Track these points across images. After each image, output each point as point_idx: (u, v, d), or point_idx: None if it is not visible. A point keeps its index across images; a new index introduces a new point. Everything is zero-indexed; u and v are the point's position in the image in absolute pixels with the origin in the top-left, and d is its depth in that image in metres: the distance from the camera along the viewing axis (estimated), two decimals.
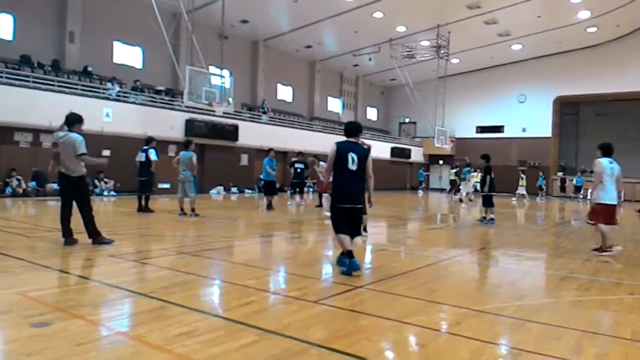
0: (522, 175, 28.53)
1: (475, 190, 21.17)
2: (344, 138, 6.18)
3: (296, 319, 4.11)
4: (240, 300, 4.59)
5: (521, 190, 28.00)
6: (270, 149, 15.84)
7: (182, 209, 12.29)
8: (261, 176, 15.84)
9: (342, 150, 6.05)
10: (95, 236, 7.36)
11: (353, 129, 6.38)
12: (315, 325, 3.96)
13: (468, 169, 23.89)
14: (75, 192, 7.35)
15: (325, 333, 3.78)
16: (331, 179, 6.27)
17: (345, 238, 5.99)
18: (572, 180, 31.89)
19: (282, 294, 5.07)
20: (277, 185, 17.11)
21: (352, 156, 6.01)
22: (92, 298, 4.64)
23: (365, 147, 6.54)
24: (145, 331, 3.63)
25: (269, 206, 15.02)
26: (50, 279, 5.41)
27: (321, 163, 14.79)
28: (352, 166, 5.99)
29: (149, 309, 4.21)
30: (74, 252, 6.79)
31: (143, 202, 12.93)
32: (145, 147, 13.00)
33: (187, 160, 12.09)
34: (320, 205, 16.51)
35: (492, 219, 13.04)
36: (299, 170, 15.74)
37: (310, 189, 28.64)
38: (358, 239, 6.56)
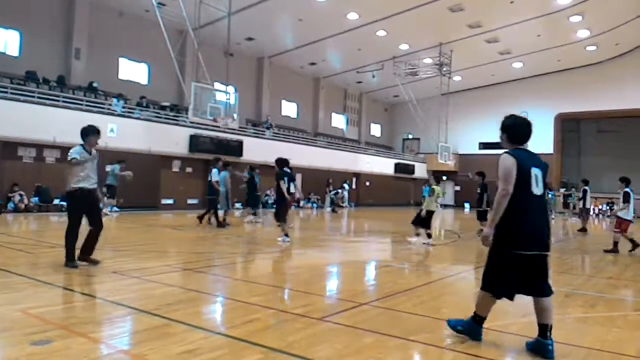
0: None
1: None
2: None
3: (301, 336, 4.07)
4: (244, 318, 4.55)
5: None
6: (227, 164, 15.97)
7: (224, 221, 13.69)
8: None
9: (525, 165, 3.90)
10: (89, 254, 6.95)
11: (528, 129, 4.16)
12: (320, 343, 3.92)
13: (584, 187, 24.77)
14: (93, 206, 7.00)
15: (330, 351, 3.75)
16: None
17: (493, 301, 3.99)
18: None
19: (286, 311, 5.03)
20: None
21: (535, 174, 3.91)
22: (94, 315, 4.62)
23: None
24: (147, 349, 3.60)
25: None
26: (52, 296, 5.38)
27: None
28: (537, 189, 3.89)
29: (152, 327, 4.18)
30: (77, 269, 6.74)
31: (212, 217, 13.84)
32: (211, 167, 14.28)
33: (224, 180, 14.04)
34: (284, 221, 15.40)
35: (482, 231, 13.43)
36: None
37: (314, 205, 28.67)
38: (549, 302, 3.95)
